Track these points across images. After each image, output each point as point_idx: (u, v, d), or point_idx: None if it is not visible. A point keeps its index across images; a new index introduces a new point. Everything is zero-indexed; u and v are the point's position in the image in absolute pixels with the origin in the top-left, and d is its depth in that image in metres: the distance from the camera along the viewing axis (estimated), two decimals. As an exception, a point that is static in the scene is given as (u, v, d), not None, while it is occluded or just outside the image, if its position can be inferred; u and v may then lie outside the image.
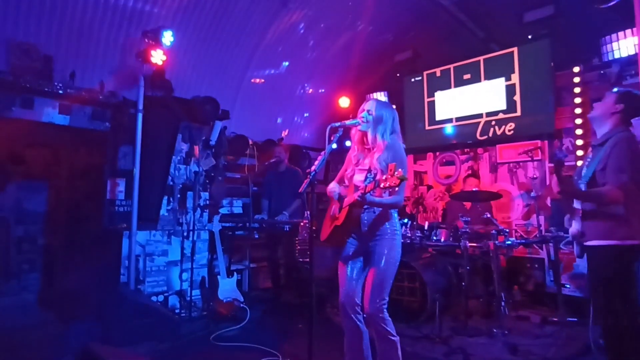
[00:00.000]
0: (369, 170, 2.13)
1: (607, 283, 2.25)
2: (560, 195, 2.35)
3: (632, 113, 2.32)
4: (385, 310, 2.12)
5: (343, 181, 2.32)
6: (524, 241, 3.64)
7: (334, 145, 2.39)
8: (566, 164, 4.20)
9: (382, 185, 1.82)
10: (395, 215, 2.23)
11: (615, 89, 2.41)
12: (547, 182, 2.97)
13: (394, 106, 6.28)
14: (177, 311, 3.91)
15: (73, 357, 2.14)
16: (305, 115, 6.06)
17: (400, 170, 1.78)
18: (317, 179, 2.18)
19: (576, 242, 2.38)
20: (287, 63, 5.29)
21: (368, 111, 2.19)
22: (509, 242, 3.46)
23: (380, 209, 2.15)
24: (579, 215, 2.36)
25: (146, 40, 3.63)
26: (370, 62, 5.91)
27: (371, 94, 5.89)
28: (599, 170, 2.21)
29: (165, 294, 3.96)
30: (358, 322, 2.24)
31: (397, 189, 1.94)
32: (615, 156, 2.16)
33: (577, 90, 4.18)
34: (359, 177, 2.18)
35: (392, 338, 2.11)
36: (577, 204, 2.37)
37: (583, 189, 2.29)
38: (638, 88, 2.13)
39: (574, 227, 2.37)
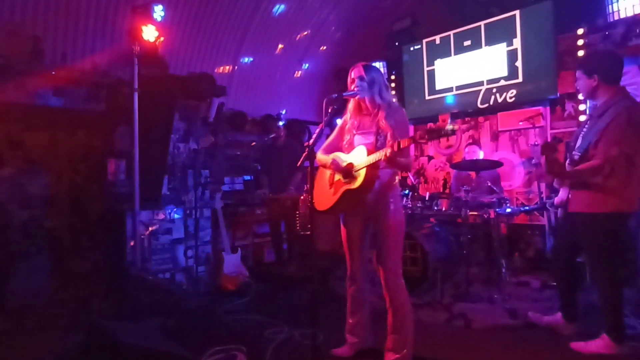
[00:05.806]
0: (378, 133, 2.09)
1: (595, 250, 2.28)
2: (550, 175, 2.38)
3: (610, 72, 2.24)
4: (400, 274, 2.11)
5: (341, 151, 2.26)
6: (523, 208, 3.65)
7: (339, 121, 2.36)
8: (568, 129, 4.20)
9: (439, 133, 1.76)
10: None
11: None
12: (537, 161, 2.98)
13: (393, 77, 6.11)
14: (184, 287, 3.99)
15: (83, 332, 2.19)
16: (302, 89, 5.96)
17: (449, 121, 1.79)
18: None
19: (561, 208, 2.41)
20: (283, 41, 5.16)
21: (360, 78, 2.14)
22: (509, 210, 3.46)
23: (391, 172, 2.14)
24: (567, 185, 2.37)
25: (137, 16, 3.54)
26: (369, 31, 5.76)
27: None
28: (593, 143, 2.18)
29: (172, 271, 4.04)
30: (364, 289, 2.28)
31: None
32: (612, 129, 2.12)
33: (580, 53, 4.06)
34: (364, 140, 2.14)
35: (405, 303, 2.10)
36: None
37: (576, 158, 2.28)
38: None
39: (560, 195, 2.39)
